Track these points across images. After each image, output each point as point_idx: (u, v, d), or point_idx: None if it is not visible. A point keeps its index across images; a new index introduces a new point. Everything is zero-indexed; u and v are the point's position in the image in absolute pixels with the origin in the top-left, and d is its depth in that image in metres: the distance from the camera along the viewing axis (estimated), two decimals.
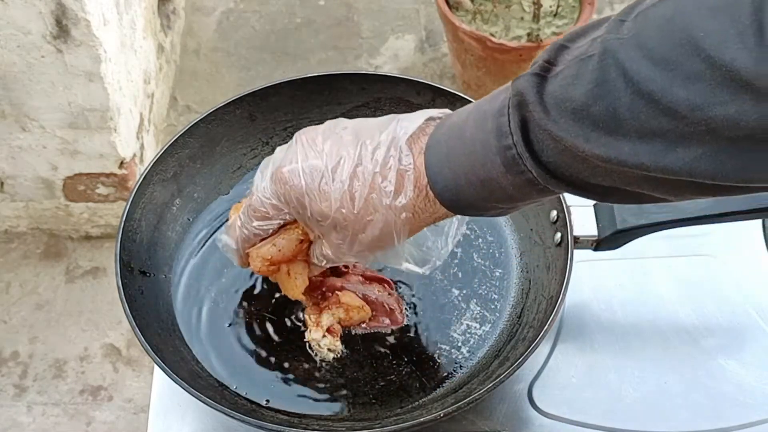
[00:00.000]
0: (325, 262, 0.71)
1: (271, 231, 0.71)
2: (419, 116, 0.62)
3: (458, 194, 0.59)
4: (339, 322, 0.80)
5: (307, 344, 0.80)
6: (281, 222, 0.69)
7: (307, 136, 0.65)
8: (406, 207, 0.61)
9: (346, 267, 0.84)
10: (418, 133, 0.61)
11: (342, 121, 0.66)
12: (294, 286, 0.77)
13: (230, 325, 0.82)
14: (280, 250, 0.73)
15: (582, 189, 0.54)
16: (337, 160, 0.62)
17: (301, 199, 0.64)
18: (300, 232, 0.72)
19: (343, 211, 0.62)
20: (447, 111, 0.63)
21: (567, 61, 0.51)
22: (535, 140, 0.53)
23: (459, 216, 0.65)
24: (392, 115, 0.64)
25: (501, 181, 0.56)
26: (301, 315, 0.83)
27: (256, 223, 0.70)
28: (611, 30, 0.49)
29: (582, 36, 0.52)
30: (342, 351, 0.80)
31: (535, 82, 0.52)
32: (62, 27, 1.50)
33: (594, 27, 0.52)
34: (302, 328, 0.82)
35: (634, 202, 0.55)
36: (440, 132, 0.60)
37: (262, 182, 0.67)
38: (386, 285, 0.84)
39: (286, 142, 0.95)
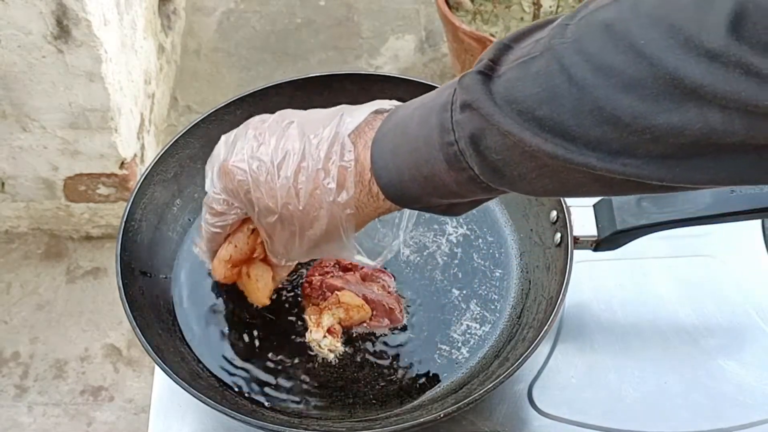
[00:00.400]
0: (283, 260, 0.71)
1: (228, 228, 0.70)
2: (365, 109, 0.62)
3: (402, 189, 0.59)
4: (339, 323, 0.80)
5: (308, 345, 0.80)
6: (235, 217, 0.68)
7: (254, 129, 0.64)
8: (348, 203, 0.60)
9: (349, 268, 0.84)
10: (364, 126, 0.60)
11: (289, 113, 0.65)
12: (256, 289, 0.77)
13: (231, 325, 0.83)
14: (236, 246, 0.73)
15: (524, 190, 0.54)
16: (282, 156, 0.61)
17: (248, 194, 0.63)
18: (251, 225, 0.71)
19: (290, 207, 0.62)
20: (396, 103, 0.63)
21: (511, 62, 0.50)
22: (481, 137, 0.52)
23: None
24: (341, 106, 0.64)
25: (444, 177, 0.55)
26: (301, 315, 0.83)
27: (211, 219, 0.69)
28: (555, 34, 0.48)
29: (526, 36, 0.52)
30: (342, 351, 0.80)
31: (481, 80, 0.51)
32: (63, 27, 1.51)
33: (538, 28, 0.51)
34: (302, 329, 0.82)
35: (576, 197, 0.55)
36: (387, 126, 0.60)
37: (210, 176, 0.67)
38: (386, 280, 0.84)
39: None
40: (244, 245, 0.73)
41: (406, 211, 0.70)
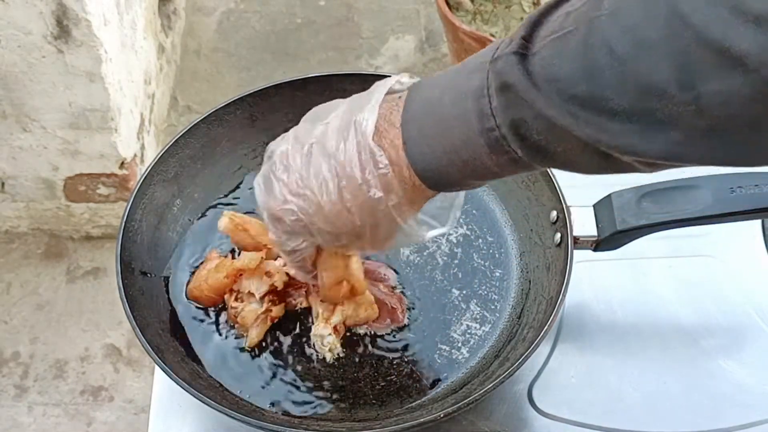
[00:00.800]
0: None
1: (309, 258, 0.70)
2: (374, 101, 0.60)
3: (440, 175, 0.58)
4: (344, 322, 0.80)
5: (309, 341, 0.80)
6: (310, 249, 0.68)
7: (280, 163, 0.63)
8: (400, 204, 0.60)
9: None
10: (382, 122, 0.59)
11: (302, 134, 0.64)
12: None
13: (230, 325, 0.82)
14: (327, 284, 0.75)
15: (568, 165, 0.53)
16: (319, 183, 0.61)
17: (305, 230, 0.64)
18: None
19: (348, 226, 0.62)
20: (399, 78, 0.61)
21: (544, 38, 0.49)
22: (523, 121, 0.51)
23: None
24: (344, 101, 0.63)
25: (485, 161, 0.55)
26: (300, 316, 0.83)
27: (289, 259, 0.70)
28: (591, 7, 0.47)
29: (555, 9, 0.51)
30: (341, 352, 0.80)
31: (517, 60, 0.50)
32: (63, 27, 1.51)
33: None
34: (303, 329, 0.82)
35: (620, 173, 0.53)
36: (412, 114, 0.58)
37: (266, 222, 0.67)
38: (389, 275, 0.84)
39: None
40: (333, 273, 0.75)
41: None
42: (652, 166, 0.50)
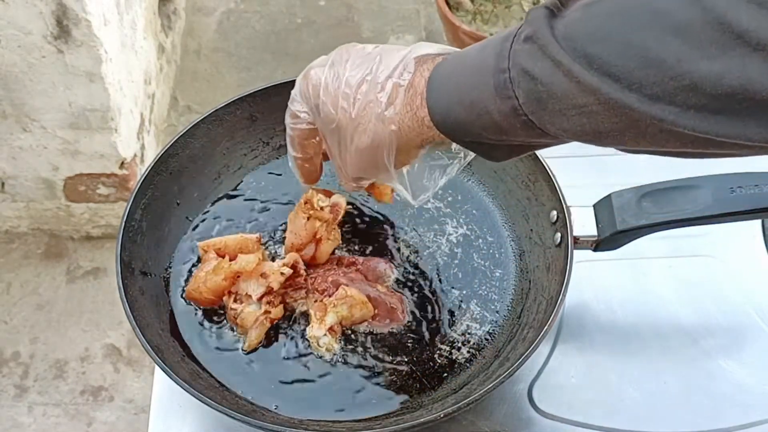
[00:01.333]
0: (344, 179, 0.73)
1: (300, 134, 0.74)
2: (438, 46, 0.65)
3: (447, 113, 0.61)
4: (341, 322, 0.80)
5: (307, 342, 0.80)
6: (304, 124, 0.73)
7: (343, 49, 0.69)
8: (393, 119, 0.63)
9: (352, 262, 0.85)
10: (433, 57, 0.64)
11: (376, 45, 0.69)
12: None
13: (230, 325, 0.83)
14: (296, 234, 0.84)
15: (561, 126, 0.55)
16: (354, 70, 0.66)
17: (317, 98, 0.68)
18: (305, 213, 0.83)
19: (345, 115, 0.65)
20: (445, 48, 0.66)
21: (578, 5, 0.53)
22: (533, 67, 0.53)
23: (454, 154, 0.69)
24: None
25: (488, 105, 0.57)
26: (300, 316, 0.83)
27: (288, 120, 0.74)
28: None
29: None
30: (338, 352, 0.80)
31: (546, 14, 0.53)
32: (63, 27, 1.51)
33: None
34: (301, 329, 0.82)
35: (606, 145, 0.56)
36: (450, 57, 0.63)
37: (297, 82, 0.72)
38: (388, 272, 0.85)
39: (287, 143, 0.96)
40: (302, 231, 0.83)
41: (455, 162, 0.72)
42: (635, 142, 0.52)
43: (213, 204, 0.92)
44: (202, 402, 0.70)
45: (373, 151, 0.66)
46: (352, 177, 0.71)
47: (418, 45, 0.65)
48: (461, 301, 0.84)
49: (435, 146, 0.67)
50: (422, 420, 0.70)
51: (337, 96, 0.66)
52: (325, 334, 0.79)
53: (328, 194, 0.87)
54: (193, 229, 0.90)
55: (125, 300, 0.77)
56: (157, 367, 0.74)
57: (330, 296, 0.81)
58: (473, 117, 0.59)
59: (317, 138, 0.74)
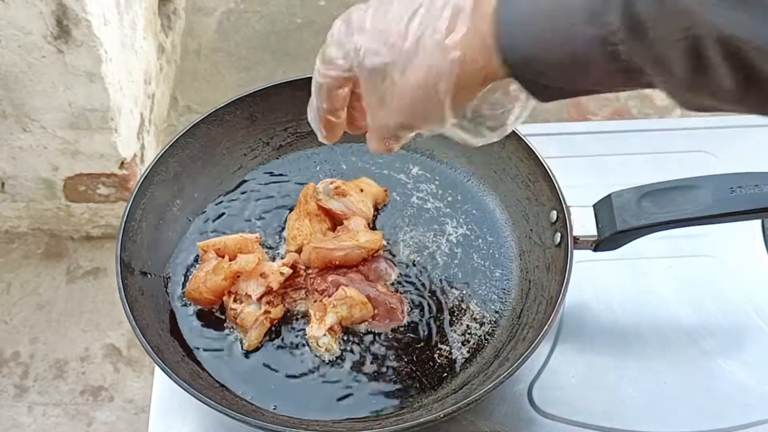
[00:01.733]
0: (381, 130, 0.65)
1: (334, 78, 0.65)
2: None
3: (520, 38, 0.55)
4: (341, 322, 0.80)
5: (307, 341, 0.81)
6: (342, 71, 0.64)
7: None
8: (455, 46, 0.56)
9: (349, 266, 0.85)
10: None
11: None
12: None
13: (230, 325, 0.83)
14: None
15: (656, 57, 0.51)
16: (405, 3, 0.59)
17: (360, 37, 0.60)
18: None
19: (393, 48, 0.58)
20: None
21: None
22: None
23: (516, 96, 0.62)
24: None
25: (574, 31, 0.52)
26: (299, 316, 0.83)
27: (321, 66, 0.65)
28: None
29: None
30: (337, 352, 0.80)
31: None
32: (63, 27, 1.51)
33: None
34: (302, 330, 0.82)
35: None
36: None
37: (332, 28, 0.64)
38: (389, 272, 0.84)
39: (287, 143, 0.96)
40: (302, 231, 0.85)
41: (516, 106, 0.64)
42: (746, 81, 0.48)
43: (213, 204, 0.92)
44: (202, 402, 0.70)
45: (429, 87, 0.58)
46: (394, 126, 0.63)
47: None
48: (461, 301, 0.84)
49: (491, 91, 0.61)
50: (422, 420, 0.70)
51: (386, 32, 0.59)
52: (324, 335, 0.79)
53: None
54: (193, 229, 0.90)
55: (125, 300, 0.77)
56: (157, 367, 0.74)
57: (330, 296, 0.81)
58: (550, 43, 0.53)
59: (347, 88, 0.66)
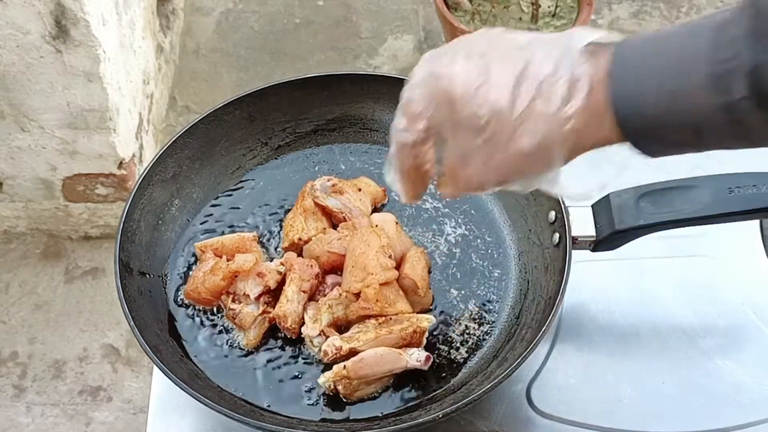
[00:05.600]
0: (469, 188, 0.63)
1: (412, 143, 0.62)
2: (597, 32, 0.56)
3: (637, 105, 0.53)
4: (335, 321, 0.80)
5: (302, 341, 0.80)
6: (421, 131, 0.61)
7: (480, 38, 0.59)
8: (574, 115, 0.55)
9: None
10: (603, 46, 0.55)
11: (506, 31, 0.60)
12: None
13: (229, 325, 0.82)
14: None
15: None
16: (507, 64, 0.56)
17: (452, 101, 0.58)
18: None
19: (501, 116, 0.56)
20: (605, 35, 0.57)
21: None
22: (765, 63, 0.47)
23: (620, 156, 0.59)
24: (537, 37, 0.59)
25: (696, 97, 0.51)
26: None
27: (405, 124, 0.62)
28: None
29: None
30: (333, 352, 0.80)
31: None
32: (61, 27, 1.50)
33: None
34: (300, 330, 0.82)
35: None
36: (633, 42, 0.55)
37: (413, 80, 0.61)
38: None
39: (286, 143, 0.96)
40: (300, 231, 0.85)
41: (616, 158, 0.62)
42: None
43: (211, 204, 0.92)
44: (201, 402, 0.70)
45: (536, 156, 0.57)
46: (486, 182, 0.60)
47: (576, 32, 0.56)
48: (460, 301, 0.84)
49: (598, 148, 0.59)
50: (421, 420, 0.70)
51: (485, 95, 0.56)
52: (319, 334, 0.79)
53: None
54: (192, 229, 0.90)
55: (124, 300, 0.77)
56: (155, 368, 0.74)
57: (325, 296, 0.81)
58: (668, 113, 0.52)
59: (431, 144, 0.63)
